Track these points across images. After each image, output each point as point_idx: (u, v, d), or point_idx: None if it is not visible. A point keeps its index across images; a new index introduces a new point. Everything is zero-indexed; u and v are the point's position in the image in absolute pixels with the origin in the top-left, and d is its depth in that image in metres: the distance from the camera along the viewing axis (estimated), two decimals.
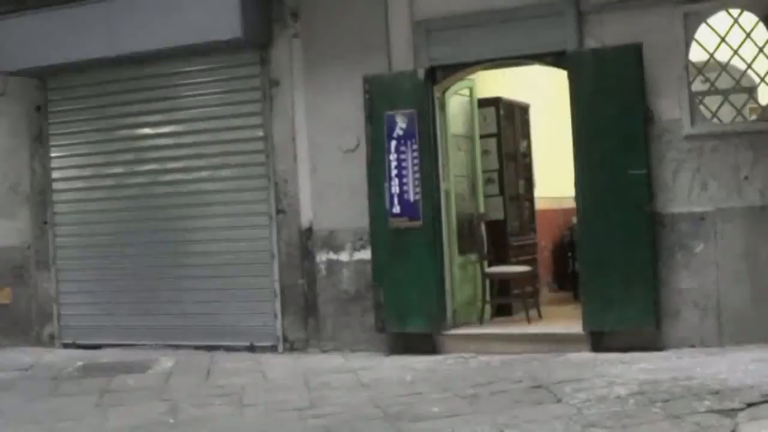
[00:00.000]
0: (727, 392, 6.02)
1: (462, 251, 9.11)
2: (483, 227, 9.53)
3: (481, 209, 9.63)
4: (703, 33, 7.91)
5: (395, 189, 8.54)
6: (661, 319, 7.76)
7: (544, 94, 10.83)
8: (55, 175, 10.38)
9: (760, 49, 7.83)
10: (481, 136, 9.76)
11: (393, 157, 8.57)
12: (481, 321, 9.14)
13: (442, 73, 8.70)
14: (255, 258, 9.36)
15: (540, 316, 9.31)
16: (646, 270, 7.74)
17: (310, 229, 9.12)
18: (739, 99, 8.00)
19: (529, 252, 10.42)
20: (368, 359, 8.42)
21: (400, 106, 8.56)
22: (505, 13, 8.33)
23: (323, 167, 9.03)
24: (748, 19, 7.82)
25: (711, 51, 7.93)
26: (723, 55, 7.95)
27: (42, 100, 10.40)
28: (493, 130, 10.03)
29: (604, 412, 5.81)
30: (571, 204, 8.48)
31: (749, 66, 7.90)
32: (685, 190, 7.83)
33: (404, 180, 8.54)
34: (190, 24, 9.00)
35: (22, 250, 10.48)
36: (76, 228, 10.30)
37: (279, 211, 9.24)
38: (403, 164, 8.56)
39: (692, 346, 7.71)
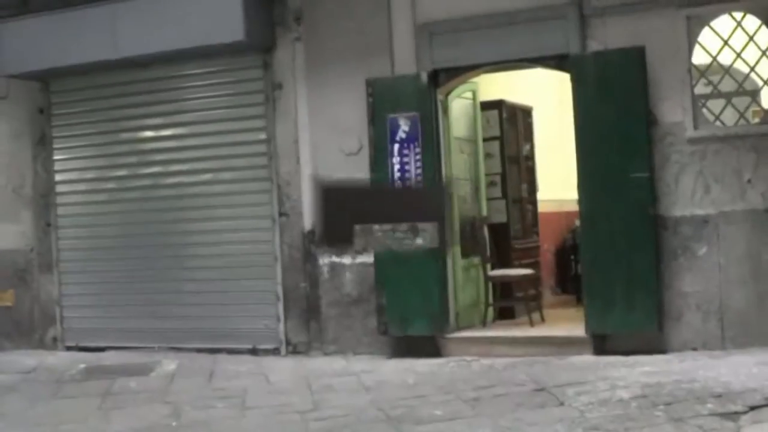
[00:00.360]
0: (730, 395, 6.01)
1: (465, 254, 9.10)
2: (485, 230, 9.52)
3: (484, 212, 9.62)
4: (706, 36, 7.91)
5: None
6: (663, 322, 7.76)
7: (547, 96, 10.84)
8: (58, 177, 10.39)
9: (763, 53, 7.83)
10: (484, 139, 9.75)
11: (396, 160, 8.57)
12: (483, 324, 9.14)
13: (444, 76, 8.71)
14: (258, 261, 9.36)
15: (542, 319, 9.29)
16: (649, 273, 7.73)
17: (312, 232, 9.11)
18: (742, 102, 7.99)
19: (532, 255, 10.41)
20: (370, 362, 8.42)
21: (403, 109, 8.56)
22: (508, 16, 8.33)
23: (326, 170, 9.02)
24: (751, 22, 7.81)
25: (714, 54, 7.93)
26: (726, 58, 7.95)
27: (45, 102, 10.41)
28: (496, 133, 10.03)
29: (606, 415, 5.80)
30: (574, 207, 8.47)
31: (752, 69, 7.89)
32: (688, 193, 7.83)
33: (407, 183, 8.53)
34: (192, 27, 9.00)
35: (25, 252, 10.48)
36: (79, 231, 10.30)
37: (282, 214, 9.24)
38: (406, 167, 8.55)
39: (695, 349, 7.70)
